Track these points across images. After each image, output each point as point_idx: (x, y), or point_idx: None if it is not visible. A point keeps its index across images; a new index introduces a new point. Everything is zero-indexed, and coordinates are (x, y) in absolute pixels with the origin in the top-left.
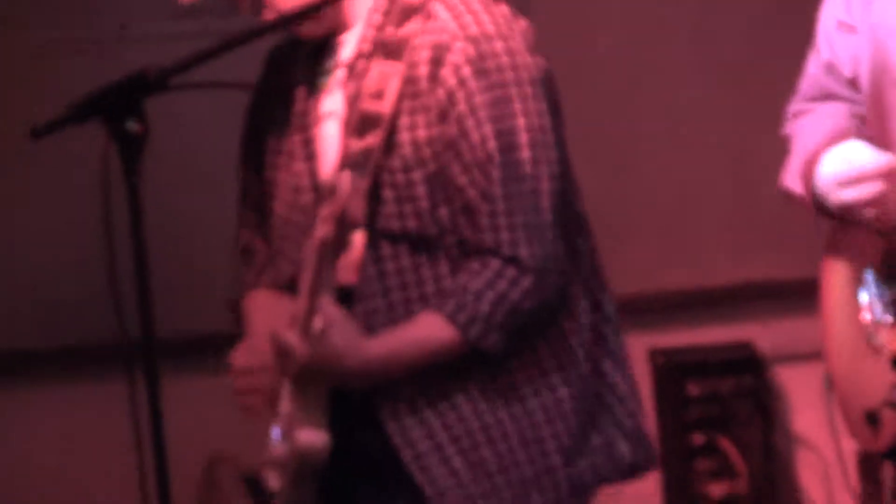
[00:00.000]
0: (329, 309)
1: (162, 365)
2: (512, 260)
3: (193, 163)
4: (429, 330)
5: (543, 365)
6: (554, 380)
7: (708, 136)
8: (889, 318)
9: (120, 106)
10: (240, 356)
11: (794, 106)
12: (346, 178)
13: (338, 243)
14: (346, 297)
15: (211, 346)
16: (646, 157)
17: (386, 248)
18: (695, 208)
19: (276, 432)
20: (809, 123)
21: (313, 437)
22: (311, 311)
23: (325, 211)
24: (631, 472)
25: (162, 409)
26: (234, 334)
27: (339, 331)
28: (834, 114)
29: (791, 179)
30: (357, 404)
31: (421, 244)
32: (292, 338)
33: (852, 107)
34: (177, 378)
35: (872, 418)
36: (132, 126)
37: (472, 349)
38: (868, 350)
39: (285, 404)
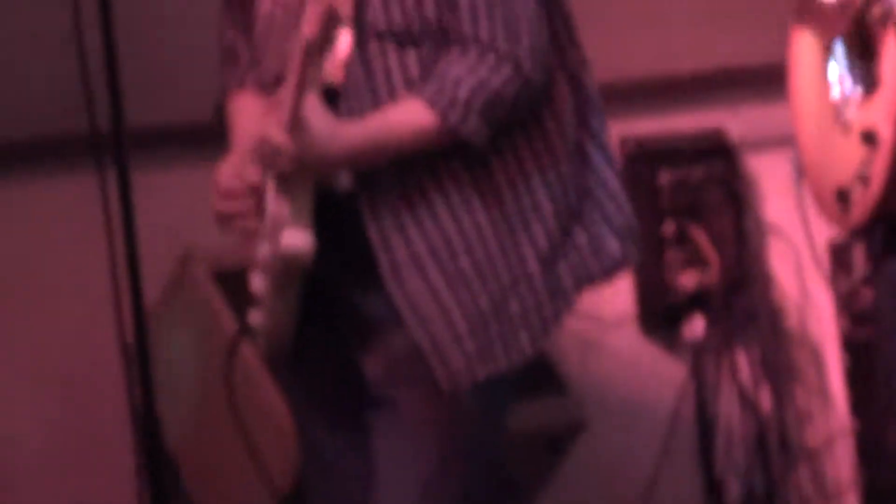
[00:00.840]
0: (310, 100)
1: (133, 157)
2: (491, 48)
3: None
4: (409, 114)
5: (524, 166)
6: (534, 182)
7: None
8: (859, 92)
9: None
10: (224, 175)
11: None
12: None
13: (323, 41)
14: (332, 96)
15: (185, 138)
16: None
17: (373, 47)
18: None
19: (261, 235)
20: None
21: (298, 239)
22: (295, 108)
23: (311, 8)
24: (617, 268)
25: (133, 201)
26: (211, 128)
27: (319, 118)
28: None
29: None
30: (342, 204)
31: (407, 40)
32: (276, 133)
33: None
34: (149, 171)
35: (843, 196)
36: None
37: (452, 136)
38: (838, 126)
39: (270, 206)
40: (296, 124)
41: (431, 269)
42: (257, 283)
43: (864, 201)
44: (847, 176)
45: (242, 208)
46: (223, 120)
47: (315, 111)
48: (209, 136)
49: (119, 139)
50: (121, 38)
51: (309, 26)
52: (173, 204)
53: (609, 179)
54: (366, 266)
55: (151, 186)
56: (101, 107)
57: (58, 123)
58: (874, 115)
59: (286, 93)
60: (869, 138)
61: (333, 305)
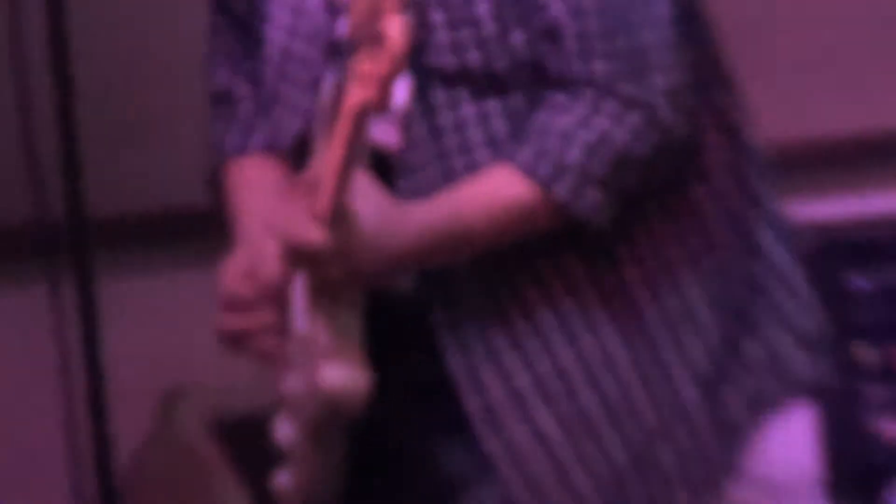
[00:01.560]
0: (359, 180)
1: (97, 257)
2: (611, 91)
3: None
4: (497, 188)
5: (667, 254)
6: (683, 277)
7: None
8: None
9: None
10: (230, 278)
11: None
12: (398, 23)
13: (381, 107)
14: (384, 167)
15: (164, 231)
16: None
17: (439, 95)
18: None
19: (288, 381)
20: None
21: (344, 376)
22: (338, 192)
23: (366, 66)
24: (804, 391)
25: (98, 318)
26: (204, 216)
27: (372, 204)
28: None
29: None
30: (406, 321)
31: (487, 86)
32: (310, 229)
33: None
34: (117, 276)
35: None
36: None
37: (561, 217)
38: None
39: (301, 321)
40: (339, 216)
41: (540, 411)
42: (284, 431)
43: None
44: None
45: (257, 324)
46: (218, 199)
47: (367, 195)
48: (198, 227)
49: (78, 234)
50: (79, 105)
51: (363, 90)
52: (151, 321)
53: (786, 268)
54: (443, 402)
55: (121, 297)
56: (53, 194)
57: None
58: None
59: (322, 167)
60: None
61: (395, 456)
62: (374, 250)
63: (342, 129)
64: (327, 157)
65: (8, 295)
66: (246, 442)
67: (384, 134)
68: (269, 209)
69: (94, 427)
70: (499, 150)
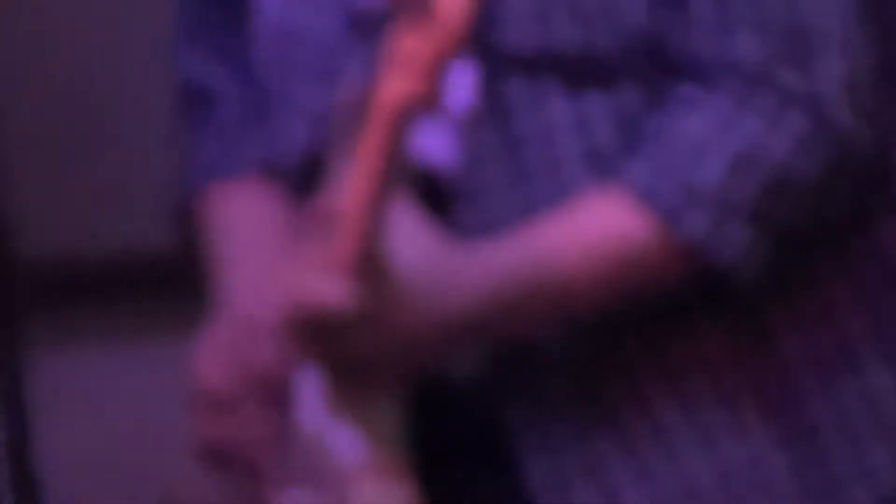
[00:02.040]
0: (401, 212)
1: (25, 323)
2: (764, 80)
3: None
4: (600, 224)
5: (841, 321)
6: (864, 354)
7: None
8: None
9: None
10: (207, 365)
11: None
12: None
13: (429, 104)
14: (437, 196)
15: (114, 286)
16: None
17: (516, 91)
18: None
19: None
20: None
21: (382, 497)
22: (369, 232)
23: (408, 46)
24: None
25: (27, 408)
26: (167, 264)
27: (419, 244)
28: None
29: None
30: (468, 419)
31: (585, 76)
32: (326, 284)
33: None
34: (53, 347)
35: None
36: None
37: (692, 263)
38: None
39: (312, 421)
40: (370, 265)
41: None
42: None
43: None
44: None
45: (249, 433)
46: (189, 242)
47: (410, 234)
48: (158, 279)
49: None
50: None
51: (401, 84)
52: (94, 411)
53: None
54: None
55: (56, 377)
56: None
57: None
58: None
59: (344, 196)
60: None
61: None
62: (421, 315)
63: (373, 137)
64: (351, 179)
65: None
66: None
67: (436, 146)
68: (264, 260)
69: None
70: (602, 167)
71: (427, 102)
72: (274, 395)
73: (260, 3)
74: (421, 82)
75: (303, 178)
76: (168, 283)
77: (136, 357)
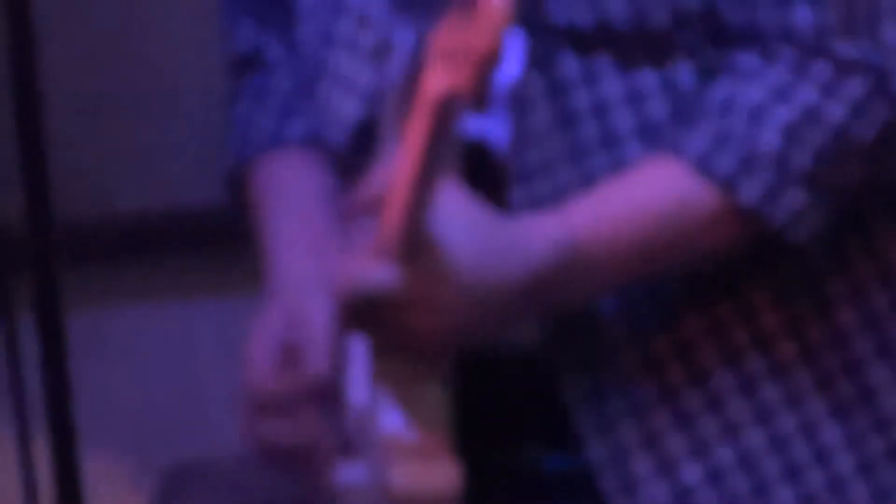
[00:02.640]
0: (448, 192)
1: (70, 280)
2: (821, 50)
3: None
4: (657, 191)
5: None
6: None
7: None
8: None
9: None
10: (260, 363)
11: None
12: None
13: (476, 100)
14: (489, 174)
15: (168, 241)
16: None
17: (569, 66)
18: None
19: (346, 474)
20: None
21: (427, 476)
22: (413, 214)
23: (454, 38)
24: None
25: (65, 358)
26: (215, 226)
27: (468, 222)
28: None
29: None
30: (522, 390)
31: (639, 50)
32: (374, 264)
33: None
34: (96, 305)
35: None
36: None
37: (749, 229)
38: None
39: (362, 398)
40: (419, 245)
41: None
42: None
43: None
44: None
45: (303, 439)
46: (241, 211)
47: (459, 213)
48: (203, 237)
49: (41, 248)
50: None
51: (447, 77)
52: (135, 363)
53: None
54: None
55: (96, 330)
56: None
57: None
58: None
59: (393, 176)
60: None
61: None
62: (472, 294)
63: (419, 127)
64: (399, 166)
65: None
66: None
67: (488, 123)
68: (314, 240)
69: None
70: (656, 142)
71: (472, 98)
72: (325, 394)
73: None
74: (466, 78)
75: (353, 153)
76: (208, 242)
77: (176, 313)
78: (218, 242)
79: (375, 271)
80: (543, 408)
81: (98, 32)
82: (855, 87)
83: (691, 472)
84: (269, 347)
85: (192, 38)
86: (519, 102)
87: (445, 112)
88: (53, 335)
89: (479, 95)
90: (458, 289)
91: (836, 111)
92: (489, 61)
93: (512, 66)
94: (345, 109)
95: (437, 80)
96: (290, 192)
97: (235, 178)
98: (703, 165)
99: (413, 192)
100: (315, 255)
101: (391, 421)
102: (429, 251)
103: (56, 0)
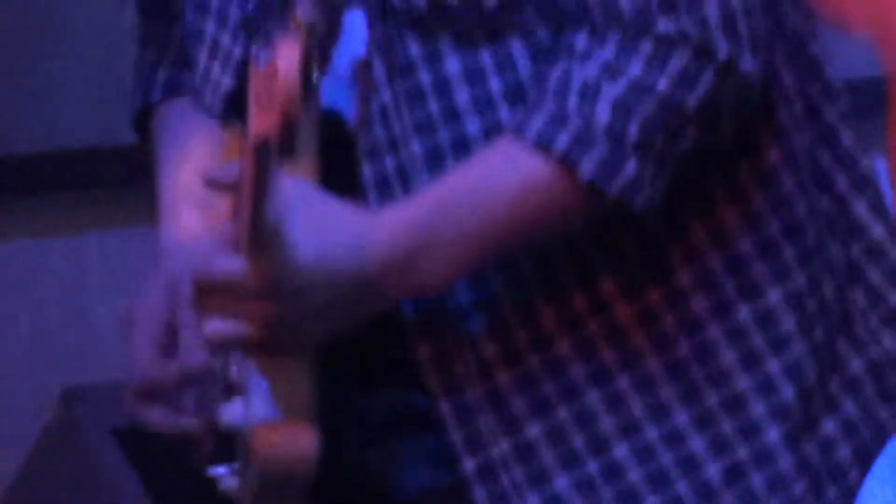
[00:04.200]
0: (285, 191)
1: None
2: (643, 28)
3: None
4: (501, 172)
5: (734, 245)
6: (757, 274)
7: None
8: None
9: None
10: (141, 342)
11: None
12: (293, 61)
13: (285, 151)
14: (340, 142)
15: (59, 175)
16: None
17: (411, 46)
18: None
19: (227, 414)
20: None
21: (292, 442)
22: (258, 213)
23: (262, 89)
24: None
25: None
26: (117, 157)
27: (305, 217)
28: None
29: None
30: (381, 349)
31: (475, 30)
32: (226, 261)
33: None
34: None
35: None
36: None
37: (590, 200)
38: None
39: (236, 371)
40: (261, 239)
41: (557, 473)
42: (228, 478)
43: None
44: None
45: (189, 425)
46: (147, 144)
47: (303, 204)
48: (99, 172)
49: None
50: None
51: (259, 115)
52: (38, 295)
53: (884, 243)
54: (426, 441)
55: (6, 265)
56: None
57: None
58: None
59: (239, 184)
60: None
61: (364, 494)
62: (315, 284)
63: (248, 156)
64: (241, 164)
65: None
66: (164, 461)
67: (340, 96)
68: (198, 197)
69: None
70: (497, 117)
71: (283, 150)
72: (202, 377)
73: None
74: (273, 125)
75: (226, 118)
76: (95, 182)
77: (69, 247)
78: (103, 181)
79: (223, 261)
80: (408, 397)
81: None
82: (677, 59)
83: (533, 431)
84: (150, 332)
85: None
86: (363, 83)
87: (261, 152)
88: None
89: (288, 148)
90: (302, 278)
91: (660, 83)
92: (291, 122)
93: (356, 46)
94: (218, 79)
95: (254, 123)
96: (185, 144)
97: (141, 122)
98: (543, 144)
99: (254, 197)
100: (203, 216)
101: (259, 399)
102: (273, 245)
103: None
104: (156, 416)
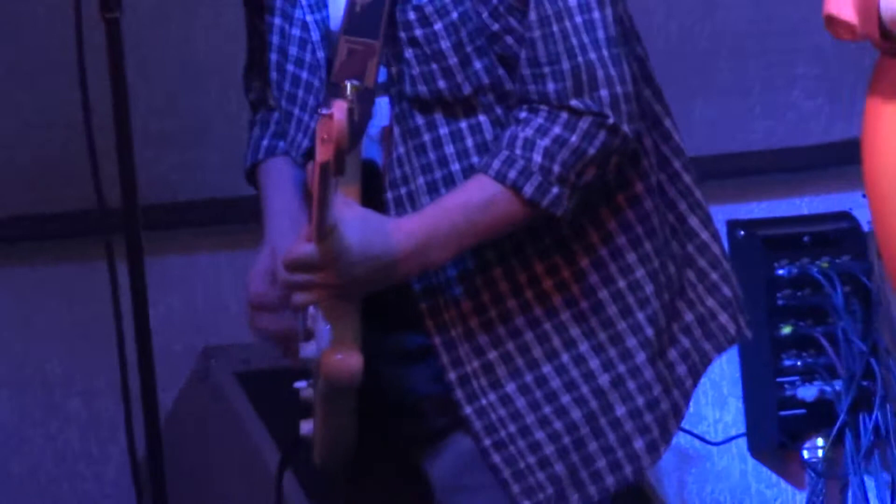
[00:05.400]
0: (341, 203)
1: (147, 238)
2: (563, 107)
3: None
4: (477, 193)
5: (615, 242)
6: (628, 258)
7: None
8: None
9: None
10: (255, 282)
11: None
12: (340, 108)
13: (337, 171)
14: (376, 183)
15: (206, 216)
16: None
17: (418, 118)
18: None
19: (305, 350)
20: None
21: (343, 363)
22: (320, 215)
23: (324, 133)
24: (730, 345)
25: (146, 289)
26: (235, 205)
27: (357, 217)
28: None
29: (836, 3)
30: (398, 307)
31: (457, 107)
32: (302, 247)
33: None
34: (163, 254)
35: None
36: None
37: (531, 211)
38: None
39: (310, 321)
40: (326, 232)
41: (510, 382)
42: (307, 391)
43: None
44: None
45: (280, 328)
46: (255, 187)
47: (351, 213)
48: (230, 214)
49: (130, 218)
50: (134, 105)
51: (325, 147)
52: (191, 292)
53: (709, 243)
54: (426, 369)
55: (166, 272)
56: (111, 185)
57: (67, 201)
58: None
59: (311, 197)
60: None
61: (394, 407)
62: (359, 261)
63: (315, 176)
64: (312, 186)
65: (74, 267)
66: (268, 392)
67: (373, 152)
68: (288, 216)
69: (143, 377)
70: (471, 163)
71: (336, 171)
72: (293, 303)
73: (276, 62)
74: (331, 158)
75: (305, 164)
76: (234, 215)
77: (215, 259)
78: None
79: (301, 247)
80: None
81: (164, 85)
82: (583, 123)
83: (492, 354)
84: (261, 272)
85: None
86: (387, 141)
87: (323, 172)
88: (139, 275)
89: (339, 169)
90: (350, 258)
91: (573, 138)
92: (340, 153)
93: (383, 119)
94: (300, 142)
95: (319, 153)
96: (279, 183)
97: (251, 174)
98: (500, 176)
99: (318, 206)
100: (290, 220)
101: (324, 329)
102: (332, 237)
103: None
104: (263, 322)
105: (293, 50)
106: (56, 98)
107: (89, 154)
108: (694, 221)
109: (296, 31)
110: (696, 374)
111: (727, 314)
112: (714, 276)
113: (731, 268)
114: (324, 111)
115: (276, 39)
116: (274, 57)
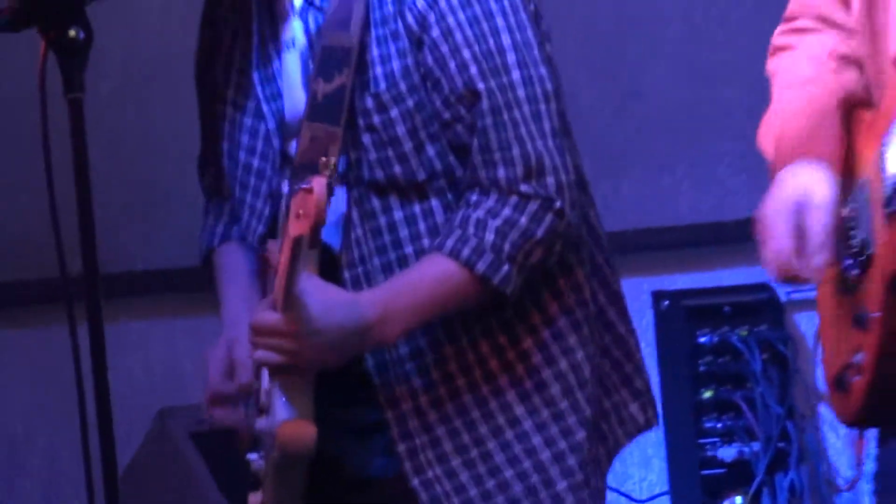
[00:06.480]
0: (303, 278)
1: (107, 304)
2: (512, 191)
3: (143, 73)
4: (432, 270)
5: (556, 322)
6: (566, 334)
7: (723, 65)
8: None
9: (59, 12)
10: (213, 373)
11: (778, 38)
12: (322, 185)
13: (312, 244)
14: (333, 263)
15: (163, 285)
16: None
17: (374, 202)
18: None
19: (259, 423)
20: (788, 68)
21: (296, 432)
22: (287, 287)
23: (300, 208)
24: (637, 433)
25: (105, 353)
26: (193, 274)
27: (319, 290)
28: (814, 58)
29: (765, 137)
30: (352, 381)
31: (411, 192)
32: (268, 314)
33: (837, 41)
34: (123, 320)
35: (840, 383)
36: (73, 33)
37: (482, 288)
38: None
39: (267, 384)
40: (290, 303)
41: (454, 458)
42: (258, 462)
43: (859, 392)
44: (842, 362)
45: (237, 420)
46: (209, 275)
47: (315, 286)
48: (188, 283)
49: (91, 286)
50: (95, 179)
51: (301, 220)
52: (150, 356)
53: (625, 337)
54: (378, 441)
55: (125, 337)
56: (73, 253)
57: (29, 270)
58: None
59: (278, 271)
60: (859, 321)
61: (348, 480)
62: (322, 332)
63: (286, 248)
64: (281, 258)
65: (35, 333)
66: (221, 450)
67: (331, 237)
68: (242, 301)
69: (102, 436)
70: (423, 245)
71: (309, 240)
72: (249, 393)
73: (228, 152)
74: (306, 229)
75: (260, 246)
76: (191, 283)
77: (173, 326)
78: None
79: (266, 314)
80: (367, 390)
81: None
82: (532, 206)
83: (440, 431)
84: (218, 364)
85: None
86: (345, 225)
87: (297, 245)
88: (98, 340)
89: (314, 239)
90: (313, 326)
91: (521, 220)
92: (317, 223)
93: (341, 204)
94: (255, 227)
95: (293, 227)
96: (234, 269)
97: (206, 260)
98: (454, 254)
99: (286, 277)
100: (245, 307)
101: (280, 402)
102: (297, 306)
103: None
104: (220, 415)
105: (244, 138)
106: (21, 175)
107: (53, 225)
108: (612, 314)
109: (247, 120)
110: (609, 458)
111: (637, 404)
112: (627, 368)
113: (655, 337)
114: (303, 185)
115: (227, 127)
116: (226, 145)
